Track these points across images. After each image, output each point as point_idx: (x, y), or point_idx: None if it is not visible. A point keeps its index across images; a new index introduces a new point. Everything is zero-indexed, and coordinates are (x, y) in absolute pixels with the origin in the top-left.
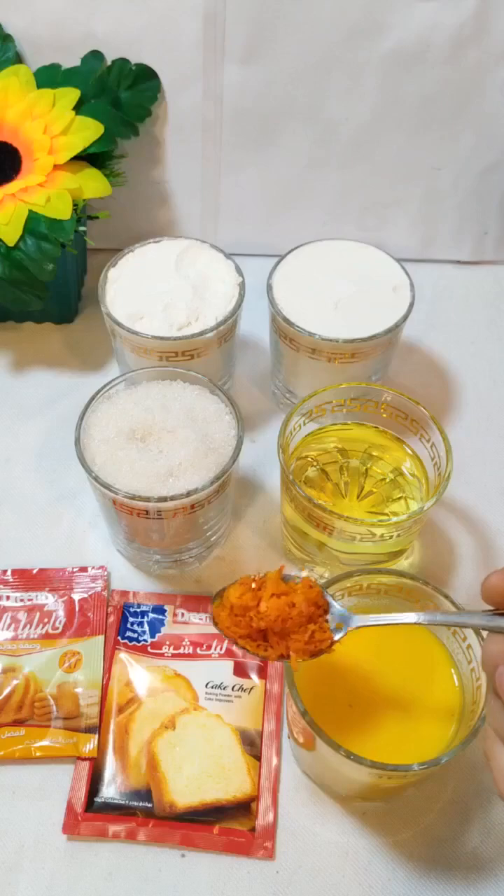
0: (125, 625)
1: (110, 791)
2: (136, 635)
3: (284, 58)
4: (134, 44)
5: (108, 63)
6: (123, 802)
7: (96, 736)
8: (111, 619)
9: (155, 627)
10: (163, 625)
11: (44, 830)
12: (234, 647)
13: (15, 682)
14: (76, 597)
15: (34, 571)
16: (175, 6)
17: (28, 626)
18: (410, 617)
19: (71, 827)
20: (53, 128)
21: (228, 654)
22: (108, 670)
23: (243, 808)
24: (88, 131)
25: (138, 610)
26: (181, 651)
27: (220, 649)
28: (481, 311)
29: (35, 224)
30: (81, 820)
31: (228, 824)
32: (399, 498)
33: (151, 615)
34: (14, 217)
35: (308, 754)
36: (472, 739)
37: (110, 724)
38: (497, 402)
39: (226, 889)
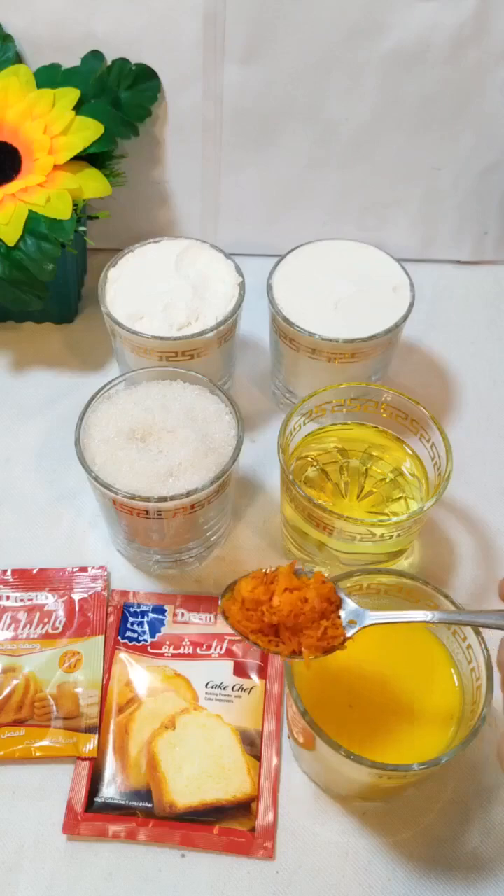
0: (125, 625)
1: (110, 791)
2: (136, 635)
3: (284, 58)
4: (134, 44)
5: (108, 63)
6: (123, 802)
7: (96, 736)
8: (111, 619)
9: (155, 627)
10: (163, 625)
11: (44, 830)
12: (246, 642)
13: (15, 682)
14: (76, 597)
15: (34, 571)
16: (175, 6)
17: (28, 626)
18: (425, 615)
19: (71, 827)
20: (53, 128)
21: (228, 654)
22: (108, 670)
23: (243, 808)
24: (88, 131)
25: (138, 610)
26: (181, 651)
27: (220, 649)
28: (481, 311)
29: (35, 224)
30: (81, 820)
31: (228, 824)
32: (399, 498)
33: (151, 615)
34: (14, 217)
35: (308, 754)
36: (472, 739)
37: (110, 724)
38: (497, 402)
39: (226, 889)
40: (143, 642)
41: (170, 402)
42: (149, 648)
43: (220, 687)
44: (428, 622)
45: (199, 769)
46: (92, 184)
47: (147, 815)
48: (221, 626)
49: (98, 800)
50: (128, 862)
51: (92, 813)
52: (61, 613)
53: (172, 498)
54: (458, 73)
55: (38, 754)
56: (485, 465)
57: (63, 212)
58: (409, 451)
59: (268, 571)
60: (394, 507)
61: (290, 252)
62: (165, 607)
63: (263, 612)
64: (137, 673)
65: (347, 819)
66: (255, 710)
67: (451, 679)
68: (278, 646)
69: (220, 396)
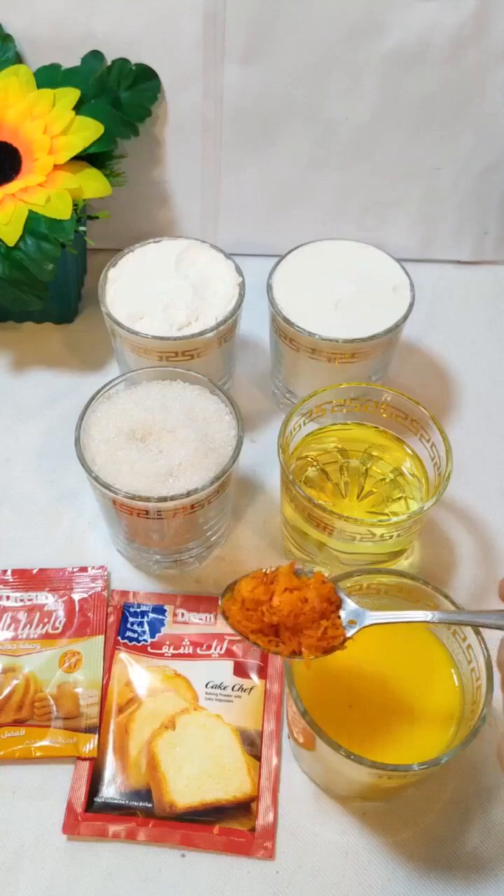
0: (125, 625)
1: (110, 791)
2: (136, 635)
3: (284, 58)
4: (134, 44)
5: (108, 63)
6: (123, 802)
7: (96, 736)
8: (111, 619)
9: (155, 627)
10: (163, 625)
11: (44, 830)
12: (246, 642)
13: (15, 682)
14: (76, 597)
15: (34, 571)
16: (175, 6)
17: (28, 626)
18: (425, 615)
19: (71, 827)
20: (53, 128)
21: (228, 654)
22: (108, 670)
23: (243, 808)
24: (88, 131)
25: (138, 610)
26: (181, 651)
27: (220, 649)
28: (481, 311)
29: (35, 224)
30: (81, 820)
31: (228, 824)
32: (399, 498)
33: (151, 615)
34: (14, 217)
35: (308, 754)
36: (472, 739)
37: (110, 724)
38: (497, 402)
39: (226, 889)
40: (143, 642)
41: (170, 402)
42: (149, 648)
43: (220, 687)
44: (428, 622)
45: (199, 769)
46: (92, 184)
47: (147, 815)
48: (221, 626)
49: (98, 800)
50: (128, 862)
51: (92, 813)
52: (61, 613)
53: (172, 498)
54: (458, 73)
55: (38, 754)
56: (485, 465)
57: (63, 212)
58: (409, 451)
59: (268, 571)
60: (394, 507)
61: (290, 252)
62: (165, 607)
63: (263, 612)
64: (137, 673)
65: (347, 819)
66: (255, 710)
67: (451, 679)
68: (278, 646)
69: (220, 396)
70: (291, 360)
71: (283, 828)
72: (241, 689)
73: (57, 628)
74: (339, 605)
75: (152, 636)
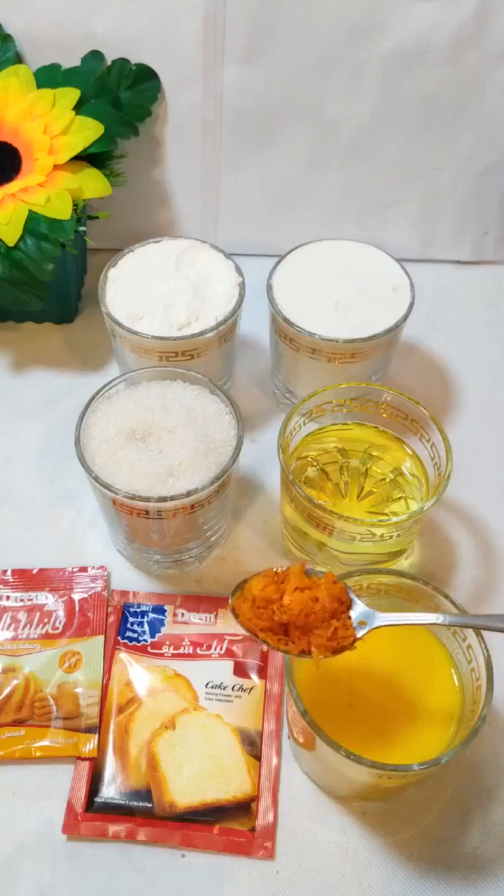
0: (125, 625)
1: (110, 791)
2: (136, 635)
3: (284, 58)
4: (134, 44)
5: (108, 63)
6: (123, 802)
7: (96, 736)
8: (111, 619)
9: (155, 627)
10: (163, 625)
11: (44, 830)
12: (256, 640)
13: (15, 682)
14: (76, 597)
15: (34, 571)
16: (175, 6)
17: (28, 626)
18: (436, 617)
19: (71, 827)
20: (53, 128)
21: (228, 654)
22: (108, 670)
23: (243, 808)
24: (88, 131)
25: (138, 610)
26: (181, 651)
27: (220, 649)
28: (481, 311)
29: (35, 224)
30: (81, 820)
31: (228, 824)
32: (399, 498)
33: (151, 615)
34: (14, 217)
35: (308, 754)
36: (472, 739)
37: (110, 724)
38: (497, 402)
39: (226, 889)
40: (143, 642)
41: (170, 402)
42: (149, 648)
43: (220, 687)
44: (439, 625)
45: (199, 769)
46: (92, 184)
47: (147, 815)
48: (221, 626)
49: (98, 800)
50: (128, 862)
51: (92, 813)
52: (61, 613)
53: (172, 498)
54: (458, 73)
55: (38, 754)
56: (485, 465)
57: (63, 212)
58: (409, 451)
59: (279, 570)
60: (394, 507)
61: (290, 252)
62: (165, 607)
63: (274, 611)
64: (137, 673)
65: (347, 819)
66: (255, 710)
67: (451, 679)
68: (287, 644)
69: (220, 396)
70: (291, 360)
71: (283, 828)
72: (241, 689)
73: (57, 628)
74: (349, 605)
75: (152, 636)
